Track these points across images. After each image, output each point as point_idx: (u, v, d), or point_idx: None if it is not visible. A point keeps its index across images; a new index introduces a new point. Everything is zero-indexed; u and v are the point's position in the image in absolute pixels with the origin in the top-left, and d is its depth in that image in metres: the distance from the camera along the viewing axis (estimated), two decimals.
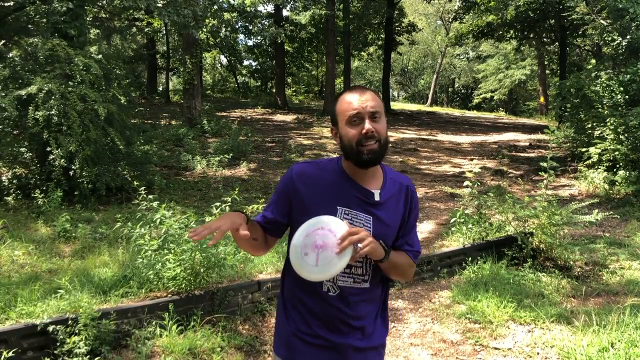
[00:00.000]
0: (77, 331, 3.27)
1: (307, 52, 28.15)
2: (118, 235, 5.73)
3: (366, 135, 1.56)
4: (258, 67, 29.10)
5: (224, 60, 30.86)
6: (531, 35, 22.46)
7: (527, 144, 15.54)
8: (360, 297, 1.64)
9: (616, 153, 8.81)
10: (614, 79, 9.61)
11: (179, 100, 21.67)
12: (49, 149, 6.88)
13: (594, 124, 9.72)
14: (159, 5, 9.17)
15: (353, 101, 1.60)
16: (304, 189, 1.63)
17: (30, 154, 7.66)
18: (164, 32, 22.92)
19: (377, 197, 1.64)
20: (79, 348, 3.19)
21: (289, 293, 1.71)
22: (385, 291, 1.75)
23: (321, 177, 1.65)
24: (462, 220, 5.79)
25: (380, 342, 1.73)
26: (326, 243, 1.50)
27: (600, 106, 9.69)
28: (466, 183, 5.90)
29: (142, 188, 4.78)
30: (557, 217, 5.13)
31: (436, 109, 32.34)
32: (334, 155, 1.91)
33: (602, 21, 11.78)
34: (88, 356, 3.22)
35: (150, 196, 4.59)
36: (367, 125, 1.56)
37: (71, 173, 6.97)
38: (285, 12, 23.47)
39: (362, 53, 29.37)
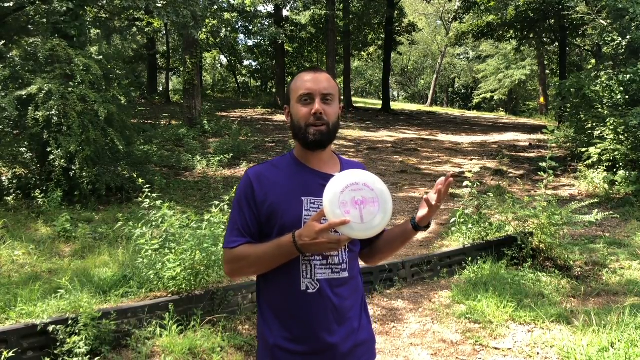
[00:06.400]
0: (77, 331, 3.28)
1: (307, 52, 28.14)
2: (118, 235, 5.74)
3: (315, 116, 1.56)
4: (258, 67, 29.09)
5: (224, 60, 30.87)
6: (531, 35, 22.45)
7: (527, 144, 15.54)
8: (342, 288, 1.59)
9: (616, 153, 8.80)
10: (614, 79, 9.60)
11: (179, 100, 21.66)
12: (49, 149, 6.88)
13: (594, 124, 9.72)
14: (159, 5, 9.16)
15: (307, 80, 1.59)
16: (264, 191, 1.58)
17: (30, 154, 7.66)
18: (164, 32, 22.91)
19: None
20: (79, 348, 3.19)
21: (267, 300, 1.62)
22: (362, 283, 1.72)
23: (278, 174, 1.62)
24: (462, 220, 5.78)
25: (367, 337, 1.67)
26: (365, 198, 1.45)
27: (600, 106, 9.69)
28: (466, 183, 5.90)
29: (147, 186, 4.79)
30: (557, 217, 5.13)
31: (436, 109, 32.33)
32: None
33: (602, 21, 11.78)
34: (88, 356, 3.22)
35: (154, 195, 4.60)
36: (317, 105, 1.56)
37: (71, 173, 6.97)
38: (285, 12, 23.48)
39: (362, 53, 29.36)
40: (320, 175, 1.61)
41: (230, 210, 1.95)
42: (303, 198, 1.57)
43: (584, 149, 9.74)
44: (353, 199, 1.44)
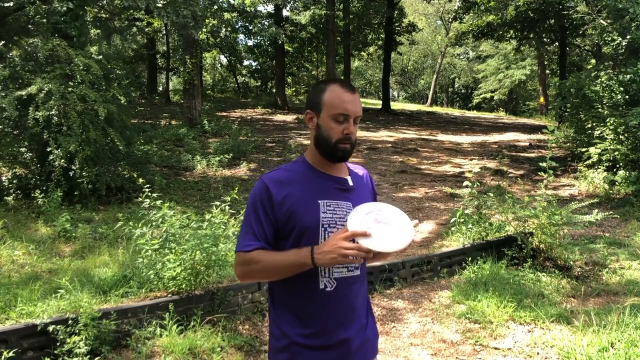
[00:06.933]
0: (77, 331, 3.28)
1: (307, 52, 28.16)
2: (118, 235, 5.74)
3: (346, 136, 1.64)
4: (258, 67, 29.10)
5: (224, 60, 30.88)
6: (531, 35, 22.45)
7: (527, 144, 15.54)
8: (355, 285, 1.68)
9: (616, 153, 8.81)
10: (614, 79, 9.60)
11: (179, 100, 21.66)
12: (49, 149, 6.88)
13: (594, 124, 9.72)
14: (159, 5, 9.16)
15: (346, 100, 1.65)
16: (282, 193, 1.62)
17: (30, 154, 7.66)
18: (164, 32, 22.91)
19: (350, 183, 1.72)
20: (79, 348, 3.19)
21: (283, 299, 1.68)
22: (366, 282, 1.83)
23: (293, 178, 1.67)
24: (462, 220, 5.78)
25: (373, 334, 1.77)
26: (389, 220, 1.57)
27: (600, 106, 9.69)
28: (466, 183, 5.90)
29: (147, 186, 4.78)
30: (557, 217, 5.13)
31: (436, 109, 32.34)
32: None
33: (602, 21, 11.78)
34: (88, 356, 3.22)
35: (154, 195, 4.60)
36: (352, 128, 1.66)
37: (71, 173, 6.97)
38: (285, 12, 23.48)
39: (362, 53, 29.38)
40: (335, 179, 1.70)
41: (236, 214, 2.00)
42: (319, 201, 1.64)
43: (584, 149, 9.74)
44: (376, 219, 1.55)
